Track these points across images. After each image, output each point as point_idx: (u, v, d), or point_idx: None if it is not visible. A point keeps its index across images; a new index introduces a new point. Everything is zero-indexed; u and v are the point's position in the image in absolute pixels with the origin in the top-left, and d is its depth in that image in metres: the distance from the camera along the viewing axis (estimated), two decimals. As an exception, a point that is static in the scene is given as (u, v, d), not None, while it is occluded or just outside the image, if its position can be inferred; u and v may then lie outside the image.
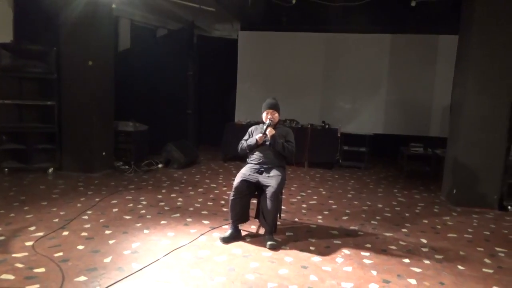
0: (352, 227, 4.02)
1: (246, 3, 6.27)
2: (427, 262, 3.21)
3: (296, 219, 4.22)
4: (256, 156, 3.75)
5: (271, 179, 3.52)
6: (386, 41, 7.91)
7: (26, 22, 5.94)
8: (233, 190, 3.52)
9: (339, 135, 7.33)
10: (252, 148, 3.78)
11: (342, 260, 3.17)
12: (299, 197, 5.14)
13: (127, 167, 6.22)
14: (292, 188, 5.60)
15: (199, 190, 5.28)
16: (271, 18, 8.09)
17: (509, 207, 4.95)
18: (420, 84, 7.82)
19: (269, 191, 3.43)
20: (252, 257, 3.14)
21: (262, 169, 3.65)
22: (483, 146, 4.89)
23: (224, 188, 5.40)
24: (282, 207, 4.36)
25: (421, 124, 7.84)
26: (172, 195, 4.94)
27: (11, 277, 2.61)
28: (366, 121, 8.00)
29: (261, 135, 3.70)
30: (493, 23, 4.72)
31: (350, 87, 8.08)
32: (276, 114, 3.80)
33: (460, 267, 3.15)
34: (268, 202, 3.41)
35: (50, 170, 5.75)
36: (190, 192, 5.12)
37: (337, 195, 5.34)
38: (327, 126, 7.37)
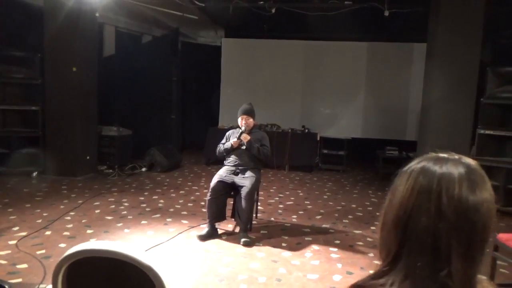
0: (324, 225, 4.25)
1: (228, 11, 6.52)
2: (389, 256, 3.45)
3: (272, 219, 4.44)
4: (232, 158, 3.96)
5: (245, 180, 3.73)
6: (363, 48, 8.23)
7: (9, 28, 6.03)
8: (209, 190, 3.73)
9: (318, 139, 7.59)
10: (228, 152, 3.99)
11: (311, 254, 3.39)
12: (277, 198, 5.36)
13: (110, 170, 6.36)
14: (271, 190, 5.81)
15: (181, 192, 5.45)
16: (253, 26, 8.35)
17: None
18: (396, 90, 8.15)
19: (243, 191, 3.64)
20: (226, 253, 3.34)
21: (238, 171, 3.86)
22: (448, 149, 5.15)
23: (206, 191, 5.56)
24: (259, 207, 4.57)
25: (397, 128, 8.15)
26: (154, 197, 5.11)
27: (-5, 272, 2.76)
28: (344, 125, 8.29)
29: (236, 139, 3.92)
30: (455, 34, 5.04)
31: (329, 93, 8.37)
32: (251, 120, 4.02)
33: (419, 260, 3.40)
34: (243, 202, 3.61)
35: (34, 173, 5.85)
36: (172, 194, 5.29)
37: (313, 196, 5.57)
38: (307, 131, 7.62)
